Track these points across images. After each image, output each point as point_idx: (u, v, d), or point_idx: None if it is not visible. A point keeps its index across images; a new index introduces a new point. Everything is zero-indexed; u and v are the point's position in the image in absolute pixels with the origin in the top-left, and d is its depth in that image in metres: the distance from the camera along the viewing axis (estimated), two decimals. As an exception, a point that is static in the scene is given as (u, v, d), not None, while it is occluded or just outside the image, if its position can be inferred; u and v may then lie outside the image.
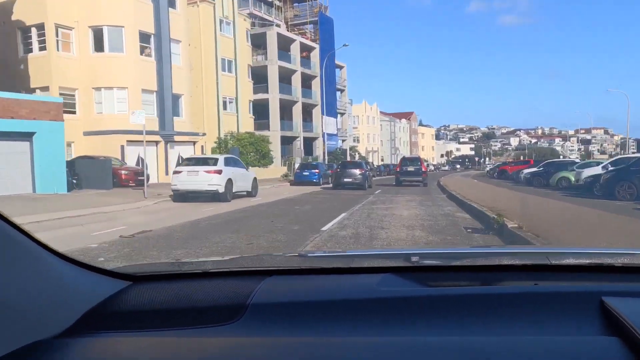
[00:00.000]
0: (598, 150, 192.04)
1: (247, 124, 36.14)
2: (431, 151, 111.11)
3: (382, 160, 73.84)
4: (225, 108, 34.60)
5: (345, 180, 22.36)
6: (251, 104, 38.53)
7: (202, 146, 26.69)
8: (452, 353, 0.85)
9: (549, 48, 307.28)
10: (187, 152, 25.80)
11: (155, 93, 24.20)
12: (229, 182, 14.81)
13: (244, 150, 31.86)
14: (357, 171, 22.65)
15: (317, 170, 27.28)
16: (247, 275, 1.24)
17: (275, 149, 40.76)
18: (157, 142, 23.82)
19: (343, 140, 58.11)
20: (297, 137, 44.87)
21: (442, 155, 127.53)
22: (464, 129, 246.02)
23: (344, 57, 55.33)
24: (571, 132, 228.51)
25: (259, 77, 41.60)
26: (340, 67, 58.32)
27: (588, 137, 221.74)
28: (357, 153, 60.67)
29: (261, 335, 0.96)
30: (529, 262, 1.28)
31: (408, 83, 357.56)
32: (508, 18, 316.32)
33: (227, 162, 15.37)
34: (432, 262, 1.38)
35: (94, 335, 0.97)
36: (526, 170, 29.31)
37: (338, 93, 58.33)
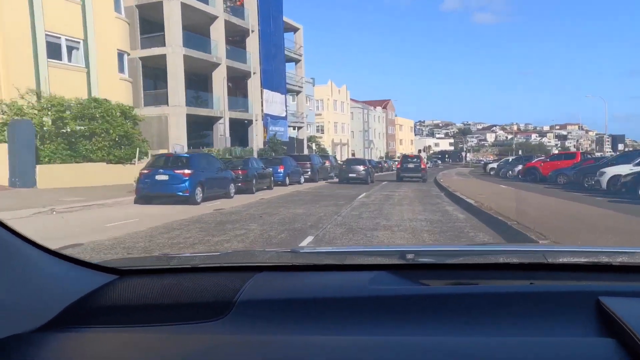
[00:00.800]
0: (574, 146, 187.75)
1: (115, 89, 20.56)
2: (410, 145, 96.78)
3: (353, 154, 58.96)
4: (60, 57, 18.94)
5: (350, 175, 23.73)
6: (126, 58, 22.92)
7: None
8: (443, 354, 0.84)
9: (523, 46, 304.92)
10: None
11: None
12: None
13: (68, 131, 16.21)
14: (361, 167, 24.20)
15: (185, 172, 12.03)
16: (236, 271, 1.19)
17: (179, 134, 25.39)
18: None
19: (299, 128, 42.96)
20: (220, 117, 29.47)
21: (419, 151, 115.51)
22: (440, 124, 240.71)
23: (305, 27, 41.46)
24: (546, 128, 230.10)
25: (154, 24, 26.10)
26: (295, 29, 43.04)
27: (564, 132, 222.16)
28: (315, 144, 45.62)
29: (247, 333, 0.93)
30: (525, 261, 1.23)
31: (381, 75, 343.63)
32: (483, 16, 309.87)
33: None
34: (425, 259, 1.31)
35: (74, 329, 0.94)
36: (627, 169, 14.81)
37: (292, 65, 43.12)
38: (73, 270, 1.04)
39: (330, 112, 60.75)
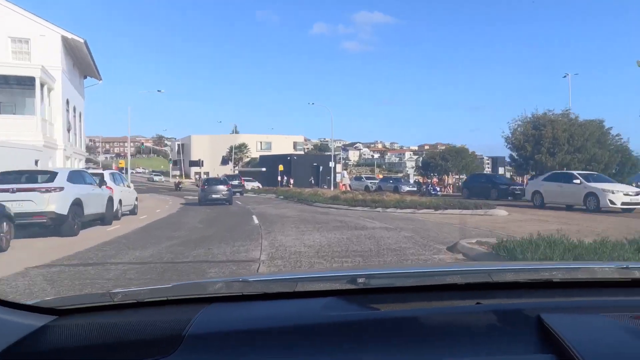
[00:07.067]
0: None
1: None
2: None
3: None
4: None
5: (213, 196, 23.41)
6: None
7: None
8: None
9: (386, 74, 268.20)
10: None
11: None
12: None
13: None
14: (223, 187, 23.81)
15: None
16: (184, 304, 1.13)
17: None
18: None
19: None
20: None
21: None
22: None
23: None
24: (414, 148, 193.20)
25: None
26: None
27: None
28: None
29: None
30: (471, 281, 1.25)
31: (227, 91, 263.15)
32: (350, 44, 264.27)
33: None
34: (376, 283, 1.32)
35: None
36: None
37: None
38: (5, 314, 0.96)
39: None
